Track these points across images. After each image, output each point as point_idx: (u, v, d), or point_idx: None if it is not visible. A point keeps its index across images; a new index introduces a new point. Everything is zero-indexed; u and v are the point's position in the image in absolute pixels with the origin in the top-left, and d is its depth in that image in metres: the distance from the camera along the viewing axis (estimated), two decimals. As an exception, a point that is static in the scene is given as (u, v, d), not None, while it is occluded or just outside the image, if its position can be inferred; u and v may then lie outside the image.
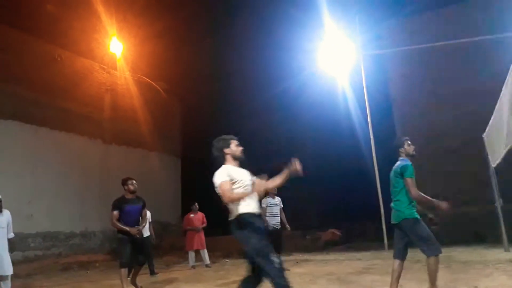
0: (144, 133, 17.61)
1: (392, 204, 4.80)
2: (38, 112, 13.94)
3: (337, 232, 15.01)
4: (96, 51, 16.91)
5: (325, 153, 18.97)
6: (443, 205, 4.47)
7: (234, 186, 3.79)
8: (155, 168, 17.87)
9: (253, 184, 3.95)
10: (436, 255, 4.43)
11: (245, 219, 3.75)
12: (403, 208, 4.62)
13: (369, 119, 12.54)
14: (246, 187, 3.86)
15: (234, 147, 4.07)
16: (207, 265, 10.28)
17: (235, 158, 4.04)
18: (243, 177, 3.93)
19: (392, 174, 4.83)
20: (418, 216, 4.60)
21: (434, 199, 4.50)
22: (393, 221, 4.77)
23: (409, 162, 4.71)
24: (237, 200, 3.76)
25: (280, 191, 8.24)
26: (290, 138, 20.95)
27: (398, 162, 4.82)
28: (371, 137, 12.31)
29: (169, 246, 15.33)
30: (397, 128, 14.85)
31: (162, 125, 18.99)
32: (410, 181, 4.55)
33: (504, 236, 9.07)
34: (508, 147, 6.26)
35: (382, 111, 15.03)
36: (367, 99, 12.64)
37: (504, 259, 7.57)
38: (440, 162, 13.37)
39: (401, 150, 4.89)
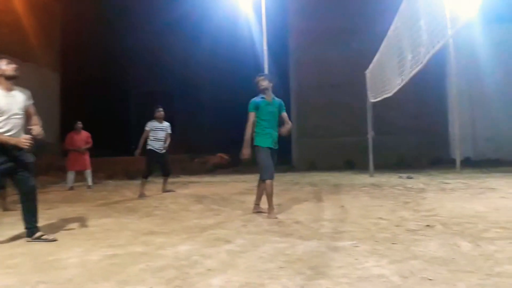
0: (15, 39, 15.26)
1: None
2: None
3: (225, 156, 15.43)
4: None
5: (220, 80, 18.83)
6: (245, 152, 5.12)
7: None
8: (28, 81, 15.88)
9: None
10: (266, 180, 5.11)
11: None
12: (255, 135, 5.21)
13: (265, 48, 12.55)
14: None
15: (4, 66, 3.90)
16: (89, 186, 9.84)
17: (7, 78, 3.92)
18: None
19: None
20: (261, 145, 5.14)
21: (246, 135, 5.12)
22: None
23: (255, 98, 5.24)
24: None
25: (171, 117, 8.08)
26: (186, 62, 20.23)
27: None
28: (266, 66, 12.42)
29: (46, 166, 14.25)
30: (290, 59, 15.21)
31: (38, 32, 16.61)
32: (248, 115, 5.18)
33: (371, 164, 10.21)
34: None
35: (280, 41, 15.17)
36: (265, 28, 12.55)
37: (368, 183, 8.58)
38: (325, 95, 14.21)
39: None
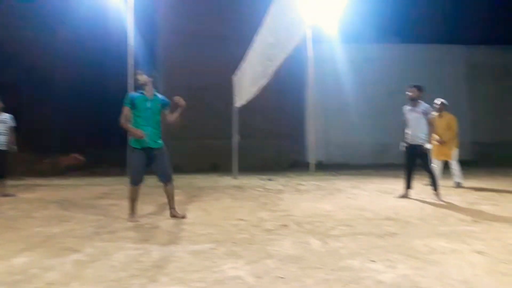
0: None
1: None
2: None
3: (80, 157, 14.17)
4: None
5: (80, 76, 17.29)
6: (136, 132, 4.70)
7: None
8: None
9: None
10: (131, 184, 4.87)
11: None
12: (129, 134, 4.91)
13: (130, 44, 11.87)
14: None
15: None
16: None
17: None
18: None
19: None
20: (132, 145, 4.86)
21: (130, 127, 4.75)
22: None
23: (133, 93, 5.04)
24: None
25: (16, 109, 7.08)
26: (45, 51, 18.06)
27: None
28: (131, 62, 11.76)
29: None
30: (158, 58, 14.76)
31: None
32: (122, 109, 4.80)
33: (235, 166, 10.46)
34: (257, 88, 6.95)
35: (149, 39, 14.59)
36: (133, 24, 11.90)
37: (231, 185, 8.74)
38: (193, 97, 14.12)
39: None
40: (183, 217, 4.99)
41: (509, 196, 6.48)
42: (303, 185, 8.72)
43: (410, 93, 6.44)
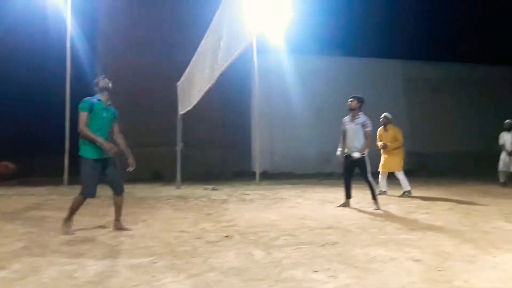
0: None
1: None
2: None
3: (11, 165, 13.17)
4: None
5: (14, 80, 16.12)
6: (107, 146, 4.48)
7: None
8: None
9: None
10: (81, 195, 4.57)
11: None
12: (81, 143, 4.58)
13: (68, 46, 11.32)
14: None
15: None
16: None
17: None
18: None
19: None
20: (86, 155, 4.53)
21: (98, 138, 4.47)
22: None
23: (90, 98, 4.62)
24: None
25: None
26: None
27: None
28: (68, 66, 11.21)
29: None
30: (99, 63, 14.17)
31: None
32: (79, 114, 4.50)
33: (178, 176, 10.21)
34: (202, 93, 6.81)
35: (88, 42, 13.96)
36: (70, 25, 11.39)
37: (174, 195, 8.51)
38: (136, 103, 13.72)
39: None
40: (128, 229, 4.77)
41: (442, 205, 6.84)
42: (248, 194, 8.70)
43: (350, 104, 6.61)
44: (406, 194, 8.10)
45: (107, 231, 4.73)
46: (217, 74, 5.27)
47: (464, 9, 18.26)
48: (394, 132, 8.34)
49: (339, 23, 17.62)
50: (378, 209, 6.28)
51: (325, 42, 16.77)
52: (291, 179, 12.81)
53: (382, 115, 8.50)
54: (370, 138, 6.61)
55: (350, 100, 6.67)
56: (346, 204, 6.62)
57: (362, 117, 6.54)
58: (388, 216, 5.74)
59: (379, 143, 8.42)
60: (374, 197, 6.44)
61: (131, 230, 4.74)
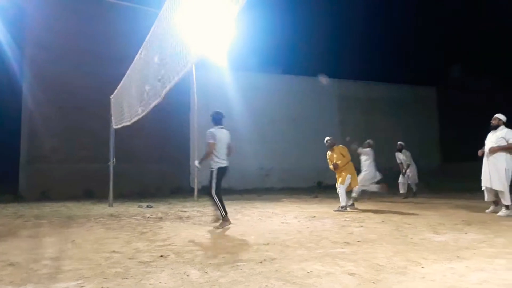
0: None
1: None
2: None
3: None
4: None
5: None
6: None
7: None
8: None
9: None
10: None
11: None
12: None
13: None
14: None
15: None
16: None
17: None
18: None
19: None
20: None
21: None
22: None
23: None
24: None
25: None
26: None
27: None
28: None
29: None
30: (25, 73, 13.26)
31: None
32: None
33: (111, 193, 9.72)
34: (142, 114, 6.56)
35: (16, 51, 13.06)
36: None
37: (106, 213, 8.07)
38: (66, 117, 13.01)
39: None
40: None
41: (375, 218, 7.10)
42: (186, 211, 8.48)
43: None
44: (341, 209, 8.28)
45: (29, 253, 4.34)
46: (164, 89, 5.11)
47: (393, 34, 19.62)
48: (339, 150, 8.61)
49: (279, 42, 18.14)
50: (221, 227, 6.16)
51: (265, 60, 17.15)
52: (231, 194, 12.71)
53: (327, 139, 8.75)
54: (232, 150, 6.80)
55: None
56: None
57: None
58: (324, 230, 5.84)
59: (331, 166, 8.63)
60: (221, 214, 6.31)
61: None
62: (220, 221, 6.30)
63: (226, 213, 6.34)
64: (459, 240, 4.95)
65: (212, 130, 6.53)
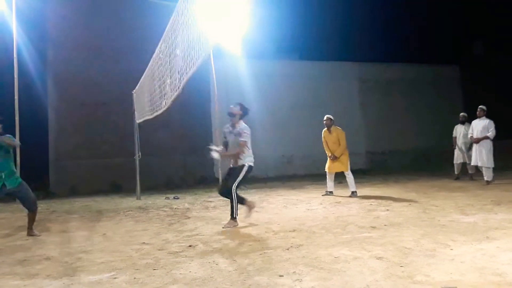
0: None
1: None
2: None
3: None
4: None
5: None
6: None
7: None
8: None
9: None
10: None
11: None
12: None
13: (15, 56, 10.75)
14: None
15: None
16: None
17: None
18: None
19: None
20: None
21: None
22: None
23: None
24: None
25: None
26: None
27: None
28: (16, 76, 10.63)
29: None
30: (48, 72, 13.57)
31: None
32: None
33: (138, 186, 9.92)
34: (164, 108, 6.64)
35: (37, 51, 13.34)
36: (16, 34, 10.82)
37: (135, 206, 8.26)
38: (90, 113, 13.28)
39: None
40: (39, 235, 5.24)
41: (400, 201, 7.04)
42: (211, 201, 8.59)
43: (232, 110, 6.00)
44: (353, 194, 8.11)
45: (63, 247, 4.51)
46: (183, 81, 5.16)
47: (410, 13, 19.15)
48: (337, 133, 8.34)
49: (295, 28, 17.94)
50: (229, 227, 5.39)
51: (281, 47, 17.00)
52: (255, 183, 12.78)
53: (325, 117, 8.51)
54: (242, 150, 5.96)
55: (233, 106, 6.09)
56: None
57: (241, 125, 6.02)
58: (350, 215, 5.83)
59: (328, 152, 8.45)
60: (232, 214, 5.52)
61: (40, 236, 5.19)
62: (243, 213, 5.71)
63: (237, 214, 5.58)
64: (489, 220, 4.87)
65: (247, 126, 6.02)
